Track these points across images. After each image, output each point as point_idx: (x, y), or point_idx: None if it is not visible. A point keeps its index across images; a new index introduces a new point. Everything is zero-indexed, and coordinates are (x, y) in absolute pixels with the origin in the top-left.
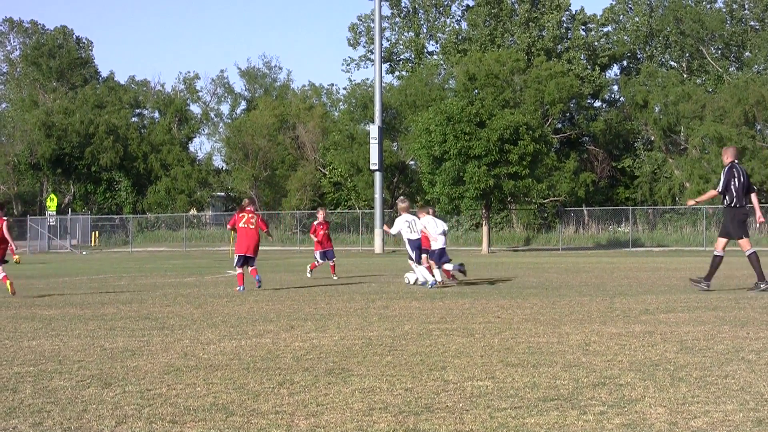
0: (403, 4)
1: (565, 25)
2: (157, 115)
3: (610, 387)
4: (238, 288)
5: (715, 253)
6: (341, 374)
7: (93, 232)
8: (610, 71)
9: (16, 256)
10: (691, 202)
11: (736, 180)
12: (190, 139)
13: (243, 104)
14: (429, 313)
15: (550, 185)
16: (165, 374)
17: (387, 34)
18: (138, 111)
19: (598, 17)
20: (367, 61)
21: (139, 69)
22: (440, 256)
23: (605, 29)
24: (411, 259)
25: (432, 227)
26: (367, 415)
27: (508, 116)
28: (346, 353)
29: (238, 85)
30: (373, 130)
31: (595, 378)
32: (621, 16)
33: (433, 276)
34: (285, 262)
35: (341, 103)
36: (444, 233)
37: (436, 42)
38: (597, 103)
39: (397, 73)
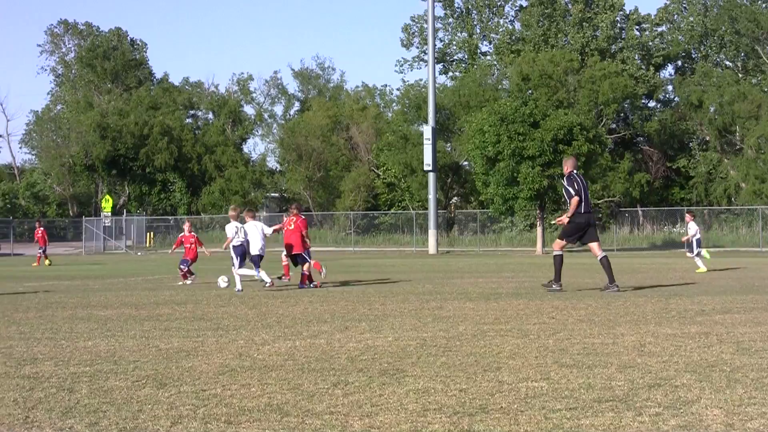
0: (456, 5)
1: (619, 25)
2: (211, 116)
3: (666, 388)
4: (284, 278)
5: (555, 253)
6: (396, 375)
7: (148, 233)
8: (664, 71)
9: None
10: (562, 220)
11: (581, 187)
12: (244, 140)
13: (296, 105)
14: (483, 314)
15: (605, 186)
16: (220, 375)
17: (440, 34)
18: (192, 112)
19: (653, 17)
20: (421, 62)
21: (193, 70)
22: (258, 262)
23: (659, 29)
24: (233, 265)
25: (253, 232)
26: (422, 416)
27: (562, 117)
28: (400, 354)
29: (292, 86)
30: (427, 130)
31: (651, 379)
32: (675, 16)
33: (271, 276)
34: (339, 263)
35: (394, 104)
36: (264, 238)
37: (490, 42)
38: (651, 104)
39: (450, 73)
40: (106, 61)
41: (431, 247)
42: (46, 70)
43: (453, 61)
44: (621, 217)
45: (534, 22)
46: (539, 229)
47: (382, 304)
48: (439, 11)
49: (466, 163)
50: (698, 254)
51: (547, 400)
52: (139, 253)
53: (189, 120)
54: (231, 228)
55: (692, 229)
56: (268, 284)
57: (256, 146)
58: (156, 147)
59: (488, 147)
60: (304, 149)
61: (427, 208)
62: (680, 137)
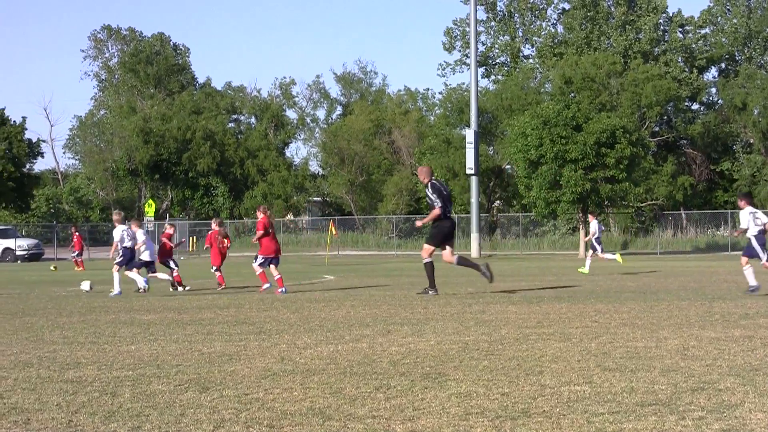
0: (498, 8)
1: (662, 27)
2: (253, 120)
3: (709, 392)
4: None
5: (425, 261)
6: (438, 379)
7: (191, 238)
8: (707, 73)
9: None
10: (419, 224)
11: (442, 194)
12: (287, 144)
13: (339, 109)
14: (525, 317)
15: (648, 189)
16: (262, 378)
17: (482, 38)
18: (234, 117)
19: (696, 19)
20: (463, 66)
21: (235, 75)
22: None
23: (703, 31)
24: (118, 264)
25: (141, 238)
26: (464, 420)
27: (604, 120)
28: (442, 358)
29: (334, 90)
30: (469, 134)
31: (694, 383)
32: (719, 18)
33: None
34: (381, 267)
35: (437, 108)
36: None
37: (532, 45)
38: (695, 106)
39: (492, 77)
40: (148, 66)
41: (474, 250)
42: (89, 75)
43: (495, 64)
44: (664, 220)
45: (576, 24)
46: (582, 233)
47: (425, 308)
48: (482, 14)
49: (508, 166)
50: (594, 254)
51: (589, 404)
52: (182, 258)
53: (231, 124)
54: (118, 232)
55: (593, 227)
56: (141, 289)
57: (298, 150)
58: (199, 151)
59: (531, 150)
60: (346, 153)
61: (469, 212)
62: (724, 140)
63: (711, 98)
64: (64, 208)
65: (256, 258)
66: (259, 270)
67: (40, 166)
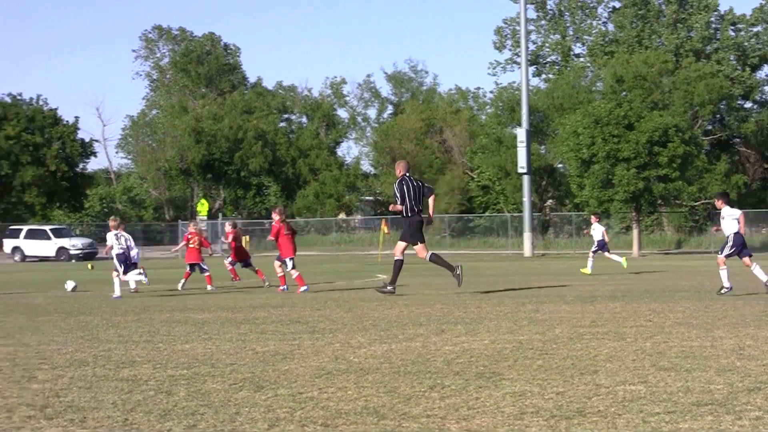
0: (548, 7)
1: (713, 25)
2: (304, 119)
3: (766, 392)
4: (282, 288)
5: (396, 258)
6: (492, 378)
7: (243, 237)
8: (760, 72)
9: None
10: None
11: (410, 191)
12: (338, 143)
13: (390, 108)
14: (580, 317)
15: (701, 187)
16: (316, 378)
17: (533, 36)
18: (286, 116)
19: (748, 17)
20: (513, 64)
21: (286, 74)
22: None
23: (755, 29)
24: (116, 270)
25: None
26: (519, 419)
27: (656, 118)
28: (496, 357)
29: (385, 89)
30: (521, 133)
31: (750, 383)
32: None
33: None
34: (434, 266)
35: (488, 107)
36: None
37: (583, 44)
38: (748, 104)
39: (543, 75)
40: (200, 66)
41: (526, 249)
42: (141, 75)
43: (546, 63)
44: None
45: (627, 23)
46: (635, 232)
47: (478, 307)
48: (532, 13)
49: (560, 165)
50: (596, 255)
51: (645, 404)
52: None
53: (283, 124)
54: (111, 237)
55: (597, 230)
56: (133, 289)
57: (349, 149)
58: (250, 151)
59: (582, 149)
60: (397, 152)
61: (521, 211)
62: None
63: (764, 97)
64: (117, 207)
65: (284, 262)
66: (295, 273)
67: (93, 165)
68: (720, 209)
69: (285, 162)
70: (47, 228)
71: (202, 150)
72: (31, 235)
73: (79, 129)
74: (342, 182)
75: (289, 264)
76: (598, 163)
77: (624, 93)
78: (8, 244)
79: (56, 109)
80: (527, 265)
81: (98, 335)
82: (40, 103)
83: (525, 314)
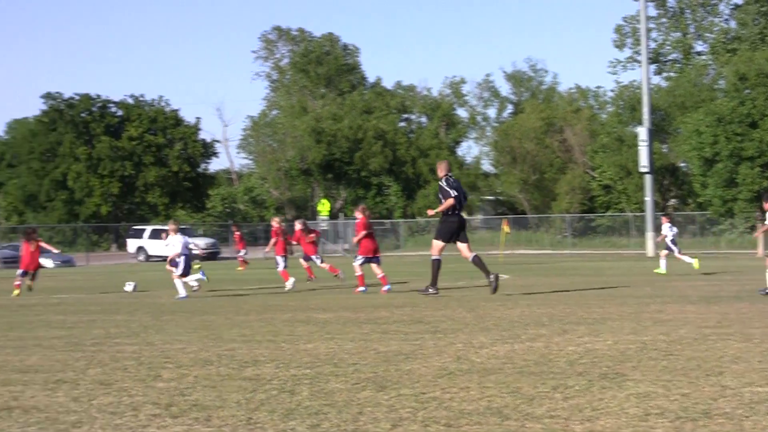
0: (669, 5)
1: None
2: (424, 119)
3: None
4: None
5: (434, 257)
6: (616, 379)
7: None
8: None
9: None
10: (431, 212)
11: (457, 190)
12: (458, 143)
13: (509, 108)
14: (705, 317)
15: None
16: (439, 378)
17: (653, 34)
18: (405, 116)
19: None
20: (634, 63)
21: (405, 74)
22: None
23: None
24: (176, 273)
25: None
26: (644, 421)
27: None
28: (620, 358)
29: (504, 88)
30: (642, 132)
31: None
32: None
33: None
34: (556, 266)
35: (608, 105)
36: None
37: (704, 42)
38: None
39: (664, 74)
40: (319, 66)
41: (649, 249)
42: (261, 75)
43: (667, 61)
44: None
45: (749, 20)
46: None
47: (601, 308)
48: (652, 11)
49: (683, 164)
50: (669, 255)
51: None
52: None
53: (402, 123)
54: (177, 240)
55: (665, 230)
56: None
57: (470, 149)
58: (370, 151)
59: (705, 148)
60: (518, 152)
61: (643, 210)
62: None
63: None
64: (239, 207)
65: (356, 257)
66: (359, 271)
67: (214, 166)
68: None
69: (405, 162)
70: (164, 228)
71: (323, 150)
72: (155, 235)
73: (200, 130)
74: (462, 182)
75: (359, 260)
76: (722, 161)
77: (747, 91)
78: (132, 244)
79: (178, 110)
80: (650, 264)
81: (222, 334)
82: (162, 104)
83: (649, 315)
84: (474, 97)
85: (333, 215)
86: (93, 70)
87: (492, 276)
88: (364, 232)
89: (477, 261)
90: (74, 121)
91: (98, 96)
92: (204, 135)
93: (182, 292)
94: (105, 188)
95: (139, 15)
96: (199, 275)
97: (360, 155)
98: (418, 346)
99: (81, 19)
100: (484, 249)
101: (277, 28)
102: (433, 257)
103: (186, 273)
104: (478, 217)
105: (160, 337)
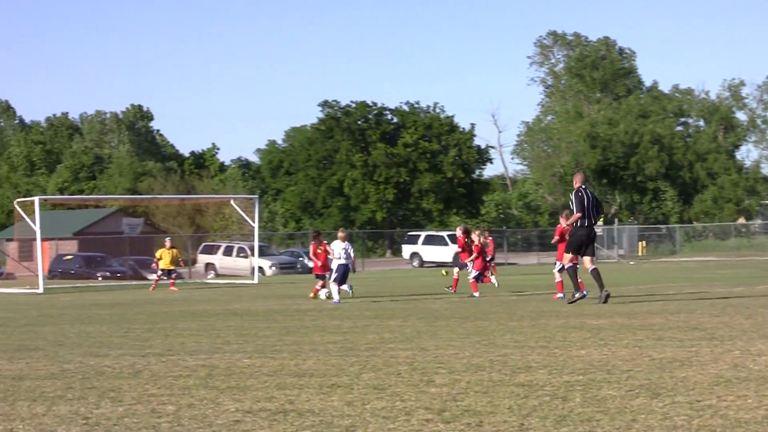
0: None
1: None
2: (701, 123)
3: None
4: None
5: (568, 266)
6: None
7: (639, 242)
8: None
9: None
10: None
11: (589, 202)
12: (737, 146)
13: None
14: None
15: None
16: (714, 385)
17: None
18: (682, 120)
19: None
20: None
21: (682, 77)
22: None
23: None
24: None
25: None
26: None
27: None
28: None
29: None
30: None
31: None
32: None
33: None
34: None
35: None
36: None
37: None
38: None
39: None
40: (594, 71)
41: None
42: (536, 81)
43: None
44: None
45: None
46: None
47: None
48: None
49: None
50: None
51: None
52: (631, 263)
53: (679, 128)
54: (337, 246)
55: None
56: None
57: (749, 153)
58: (646, 155)
59: None
60: None
61: None
62: None
63: None
64: (513, 213)
65: (556, 264)
66: (558, 277)
67: (489, 172)
68: None
69: (682, 166)
70: (444, 234)
71: (597, 155)
72: (429, 240)
73: (475, 136)
74: (741, 186)
75: (558, 266)
76: None
77: None
78: (407, 249)
79: (453, 116)
80: None
81: (494, 340)
82: (437, 110)
83: None
84: (754, 100)
85: (607, 221)
86: (369, 78)
87: (605, 291)
88: (558, 237)
89: (595, 274)
90: (351, 129)
91: (374, 103)
92: (479, 141)
93: (336, 297)
94: (380, 194)
95: (414, 22)
96: (345, 287)
97: (635, 160)
98: (693, 353)
99: (355, 26)
100: (763, 254)
101: (553, 33)
102: (566, 266)
103: (342, 281)
104: (757, 222)
105: (433, 342)
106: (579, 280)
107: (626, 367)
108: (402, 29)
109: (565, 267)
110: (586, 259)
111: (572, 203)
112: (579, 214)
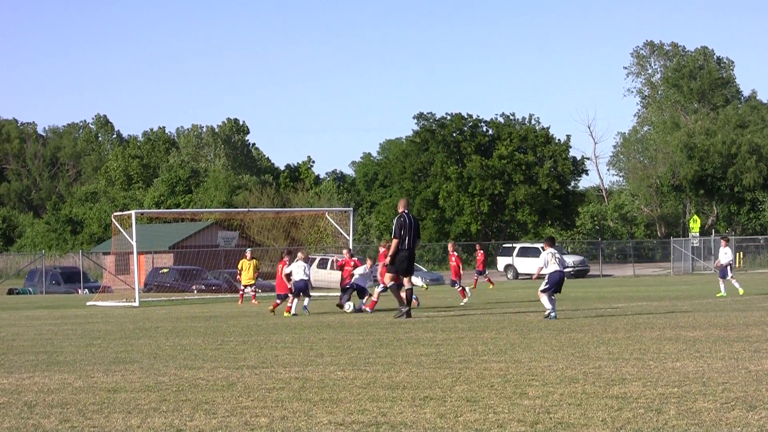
0: None
1: None
2: None
3: None
4: None
5: (390, 285)
6: None
7: (737, 253)
8: None
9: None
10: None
11: (407, 227)
12: None
13: None
14: None
15: None
16: None
17: None
18: None
19: None
20: None
21: None
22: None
23: None
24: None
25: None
26: None
27: None
28: None
29: None
30: None
31: None
32: None
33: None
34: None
35: None
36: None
37: None
38: None
39: None
40: (692, 81)
41: None
42: (632, 91)
43: None
44: None
45: None
46: None
47: None
48: None
49: None
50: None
51: None
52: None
53: None
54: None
55: (723, 254)
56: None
57: None
58: (744, 166)
59: None
60: None
61: None
62: None
63: None
64: (608, 224)
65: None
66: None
67: (584, 183)
68: None
69: None
70: (539, 246)
71: (695, 166)
72: (523, 253)
73: (570, 147)
74: None
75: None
76: None
77: None
78: (501, 261)
79: (548, 127)
80: None
81: (588, 352)
82: (533, 122)
83: None
84: None
85: (704, 231)
86: (464, 90)
87: (404, 308)
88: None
89: (409, 293)
90: (446, 141)
91: (469, 115)
92: (574, 152)
93: (294, 310)
94: (475, 207)
95: (510, 34)
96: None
97: (733, 170)
98: None
99: (450, 39)
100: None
101: (650, 43)
102: (387, 285)
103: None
104: None
105: (527, 354)
106: (403, 295)
107: (722, 380)
108: (498, 41)
109: (388, 286)
110: (406, 279)
111: (394, 228)
112: (396, 240)
